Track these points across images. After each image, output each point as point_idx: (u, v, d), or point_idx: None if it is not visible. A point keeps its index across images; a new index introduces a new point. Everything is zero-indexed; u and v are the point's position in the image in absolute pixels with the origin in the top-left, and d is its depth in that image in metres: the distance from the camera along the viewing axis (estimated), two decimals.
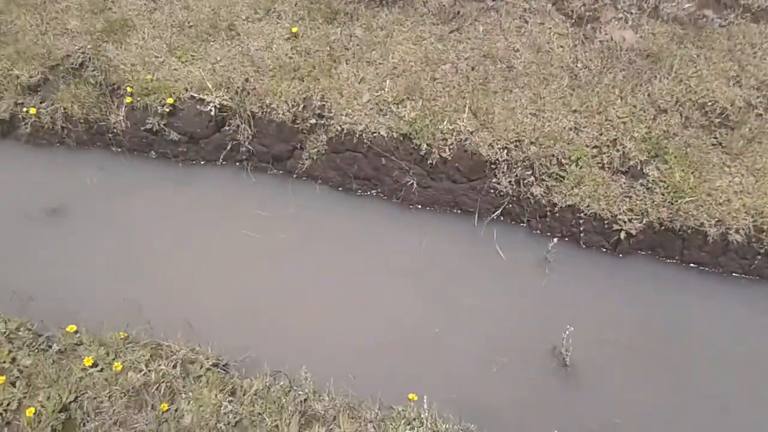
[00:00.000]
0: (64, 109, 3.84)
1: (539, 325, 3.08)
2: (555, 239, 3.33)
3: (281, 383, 2.68)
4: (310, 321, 3.10)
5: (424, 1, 3.99)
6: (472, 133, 3.42)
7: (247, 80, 3.74)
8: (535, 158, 3.35)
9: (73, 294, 3.08)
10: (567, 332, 2.87)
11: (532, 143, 3.37)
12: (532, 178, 3.38)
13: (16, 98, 3.90)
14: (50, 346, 2.76)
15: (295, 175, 3.77)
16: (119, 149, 3.92)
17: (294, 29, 3.87)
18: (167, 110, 3.71)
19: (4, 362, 2.63)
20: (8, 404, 2.49)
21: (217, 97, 3.70)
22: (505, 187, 3.41)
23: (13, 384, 2.56)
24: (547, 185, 3.35)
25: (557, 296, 3.21)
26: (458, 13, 3.93)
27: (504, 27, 3.83)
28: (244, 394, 2.59)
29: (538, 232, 3.47)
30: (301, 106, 3.64)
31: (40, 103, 3.89)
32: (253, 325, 3.05)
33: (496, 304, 3.18)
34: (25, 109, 3.87)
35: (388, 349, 2.99)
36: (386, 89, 3.60)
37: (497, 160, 3.39)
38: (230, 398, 2.57)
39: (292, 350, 2.86)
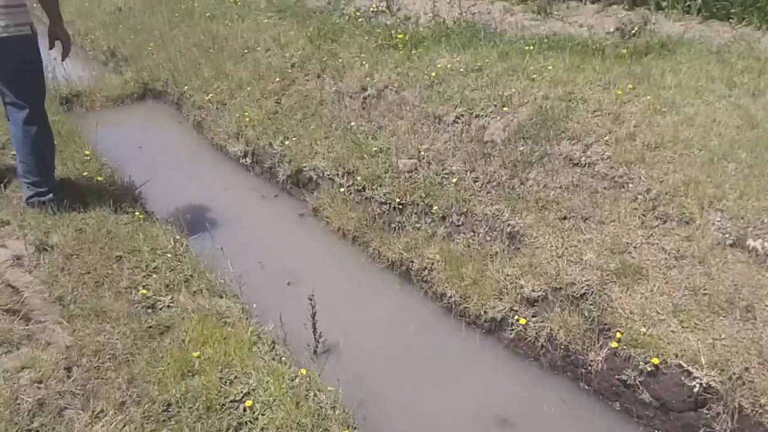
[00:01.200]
0: (551, 330, 3.95)
1: None
2: None
3: None
4: None
5: None
6: None
7: (746, 369, 3.28)
8: None
9: None
10: None
11: None
12: None
13: (513, 305, 4.18)
14: None
15: None
16: (586, 386, 3.81)
17: None
18: (648, 369, 3.48)
19: None
20: None
21: (706, 375, 3.32)
22: None
23: None
24: None
25: None
26: None
27: None
28: None
29: None
30: None
31: (532, 317, 4.09)
32: None
33: None
34: (516, 317, 4.11)
35: None
36: None
37: None
38: None
39: None
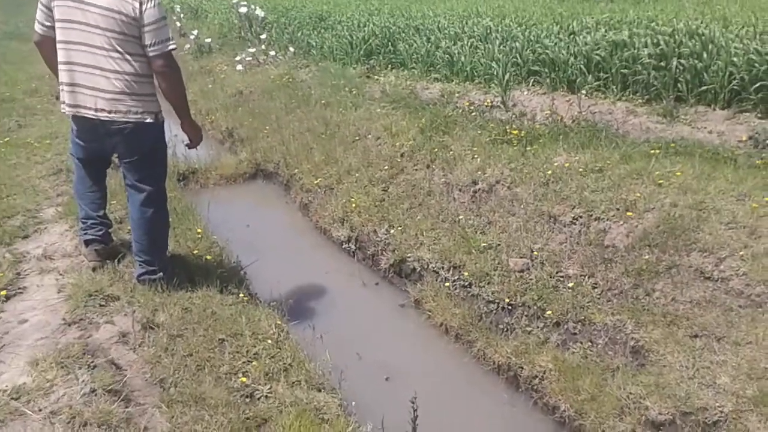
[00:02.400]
0: None
1: None
2: None
3: None
4: None
5: None
6: None
7: None
8: None
9: None
10: None
11: None
12: None
13: (635, 426, 3.76)
14: None
15: None
16: None
17: None
18: None
19: None
20: None
21: None
22: None
23: None
24: None
25: None
26: None
27: None
28: None
29: None
30: None
31: None
32: None
33: None
34: None
35: None
36: None
37: None
38: None
39: None
